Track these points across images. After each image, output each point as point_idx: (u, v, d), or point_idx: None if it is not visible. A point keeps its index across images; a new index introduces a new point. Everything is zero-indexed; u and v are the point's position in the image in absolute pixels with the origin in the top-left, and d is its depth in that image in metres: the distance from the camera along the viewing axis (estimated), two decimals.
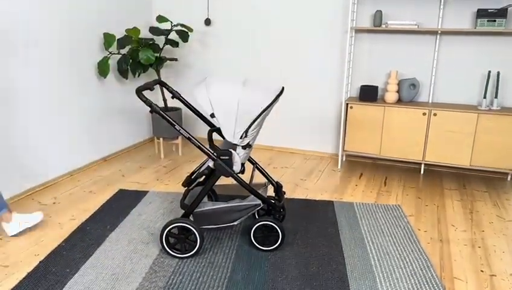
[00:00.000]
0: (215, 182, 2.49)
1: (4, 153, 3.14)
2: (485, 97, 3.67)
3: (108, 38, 3.84)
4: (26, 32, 3.21)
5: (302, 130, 4.53)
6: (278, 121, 4.54)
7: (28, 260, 2.45)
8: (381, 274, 2.35)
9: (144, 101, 2.39)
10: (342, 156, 4.20)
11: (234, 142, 2.38)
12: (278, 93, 2.32)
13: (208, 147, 2.45)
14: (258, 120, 2.33)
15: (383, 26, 3.85)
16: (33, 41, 3.26)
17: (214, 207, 2.46)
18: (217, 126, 2.53)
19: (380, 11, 3.82)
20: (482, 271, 2.41)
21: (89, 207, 3.16)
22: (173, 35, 4.40)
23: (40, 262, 2.41)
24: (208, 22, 4.55)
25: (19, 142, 3.26)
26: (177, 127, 2.45)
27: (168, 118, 2.44)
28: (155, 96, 4.84)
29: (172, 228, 2.44)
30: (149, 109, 2.43)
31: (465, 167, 3.74)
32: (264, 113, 2.32)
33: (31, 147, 3.36)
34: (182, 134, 2.44)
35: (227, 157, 2.40)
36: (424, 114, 3.72)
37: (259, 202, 2.47)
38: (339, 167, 4.15)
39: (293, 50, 4.33)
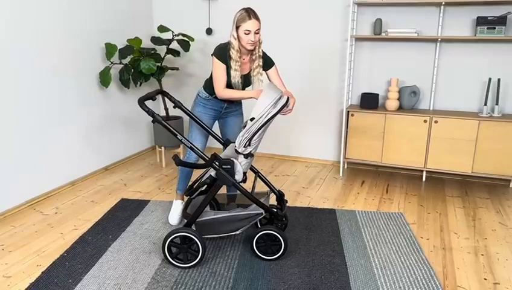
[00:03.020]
0: (217, 191, 2.50)
1: (6, 163, 3.15)
2: (485, 104, 3.67)
3: (110, 49, 3.86)
4: (28, 43, 3.24)
5: (303, 138, 4.54)
6: (279, 129, 4.55)
7: (30, 271, 2.45)
8: (384, 283, 2.33)
9: (146, 111, 2.40)
10: (344, 163, 4.19)
11: (239, 150, 2.39)
12: (283, 104, 2.33)
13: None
14: (262, 129, 2.34)
15: (383, 34, 3.87)
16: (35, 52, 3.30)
17: (216, 216, 2.46)
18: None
19: (380, 19, 3.84)
20: (485, 279, 2.40)
21: (91, 217, 3.16)
22: (174, 45, 4.42)
23: (42, 273, 2.41)
24: (209, 31, 4.58)
25: (21, 152, 3.27)
26: (179, 136, 2.46)
27: (170, 127, 2.45)
28: (157, 105, 4.85)
29: (175, 237, 2.44)
30: (151, 118, 2.45)
31: (467, 173, 3.73)
32: (267, 123, 2.33)
33: (32, 157, 3.37)
34: (183, 143, 2.45)
35: (229, 167, 2.40)
36: (425, 121, 3.73)
37: (261, 211, 2.47)
38: (341, 174, 4.14)
39: (294, 58, 4.35)
